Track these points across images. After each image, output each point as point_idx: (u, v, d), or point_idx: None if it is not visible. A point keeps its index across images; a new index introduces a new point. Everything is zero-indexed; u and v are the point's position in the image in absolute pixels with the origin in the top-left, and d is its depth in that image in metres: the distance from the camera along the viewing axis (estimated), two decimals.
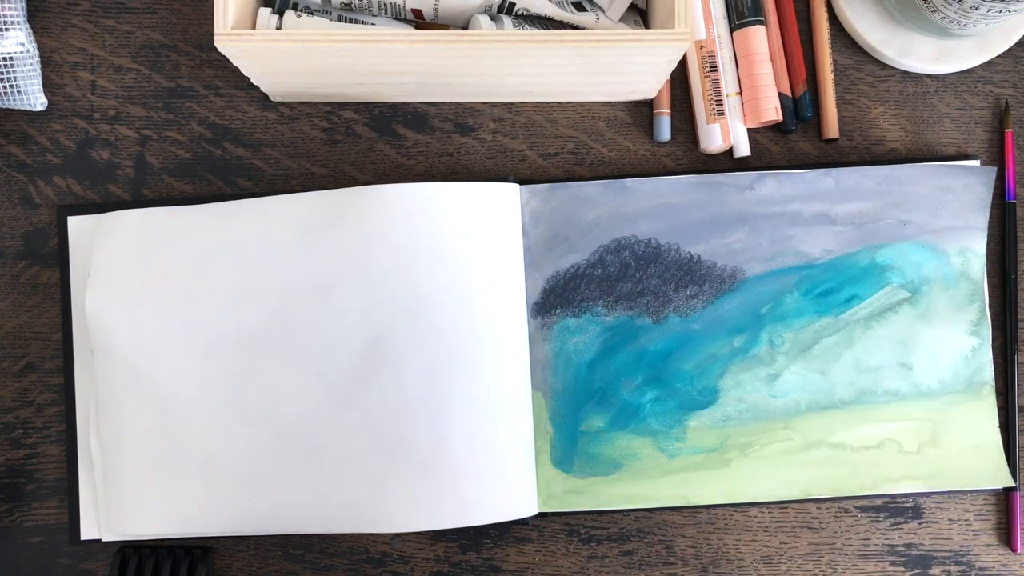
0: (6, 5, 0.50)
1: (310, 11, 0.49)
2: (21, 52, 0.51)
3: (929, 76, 0.54)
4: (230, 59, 0.46)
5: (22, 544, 0.52)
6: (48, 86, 0.54)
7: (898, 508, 0.52)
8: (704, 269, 0.52)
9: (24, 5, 0.52)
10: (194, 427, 0.50)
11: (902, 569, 0.52)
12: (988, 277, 0.53)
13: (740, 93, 0.53)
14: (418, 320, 0.49)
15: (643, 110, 0.54)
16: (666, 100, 0.54)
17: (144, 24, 0.54)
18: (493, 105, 0.54)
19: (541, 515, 0.51)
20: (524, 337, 0.51)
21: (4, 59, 0.51)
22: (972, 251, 0.52)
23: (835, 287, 0.52)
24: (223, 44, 0.44)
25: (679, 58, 0.47)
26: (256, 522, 0.50)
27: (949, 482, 0.51)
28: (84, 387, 0.52)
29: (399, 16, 0.51)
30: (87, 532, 0.52)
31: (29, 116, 0.54)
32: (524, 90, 0.52)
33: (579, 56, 0.46)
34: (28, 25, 0.52)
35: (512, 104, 0.54)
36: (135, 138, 0.54)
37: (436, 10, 0.50)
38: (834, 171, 0.52)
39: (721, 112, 0.53)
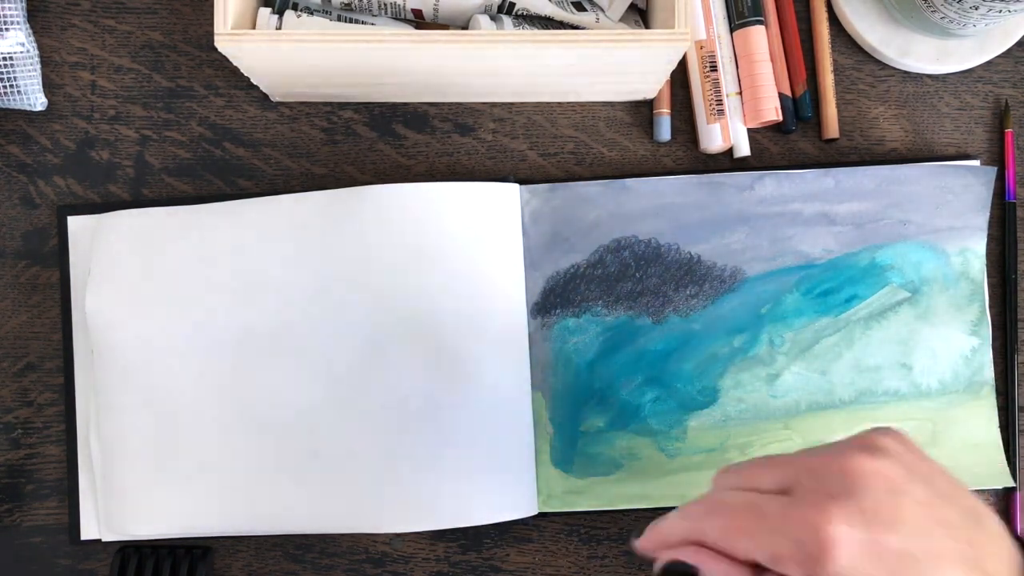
0: (6, 5, 0.50)
1: (310, 11, 0.49)
2: (21, 52, 0.51)
3: (929, 76, 0.54)
4: (230, 59, 0.46)
5: (22, 544, 0.52)
6: (48, 86, 0.54)
7: None
8: (704, 269, 0.52)
9: (24, 5, 0.52)
10: (194, 427, 0.50)
11: None
12: (988, 277, 0.53)
13: (740, 93, 0.53)
14: (418, 320, 0.49)
15: (643, 110, 0.54)
16: (666, 100, 0.54)
17: (144, 24, 0.54)
18: (493, 105, 0.54)
19: (541, 515, 0.51)
20: (524, 337, 0.51)
21: (4, 59, 0.51)
22: (972, 251, 0.52)
23: (835, 287, 0.52)
24: (223, 44, 0.44)
25: (679, 58, 0.47)
26: (256, 522, 0.50)
27: None
28: (84, 387, 0.52)
29: (399, 16, 0.51)
30: (87, 532, 0.52)
31: (29, 116, 0.54)
32: (524, 90, 0.52)
33: (579, 56, 0.46)
34: (28, 25, 0.52)
35: (512, 104, 0.54)
36: (135, 138, 0.54)
37: (436, 10, 0.50)
38: (834, 171, 0.52)
39: (721, 112, 0.53)
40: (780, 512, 0.32)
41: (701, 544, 0.34)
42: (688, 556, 0.34)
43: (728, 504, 0.34)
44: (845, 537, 0.30)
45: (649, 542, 0.36)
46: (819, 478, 0.32)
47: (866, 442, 0.33)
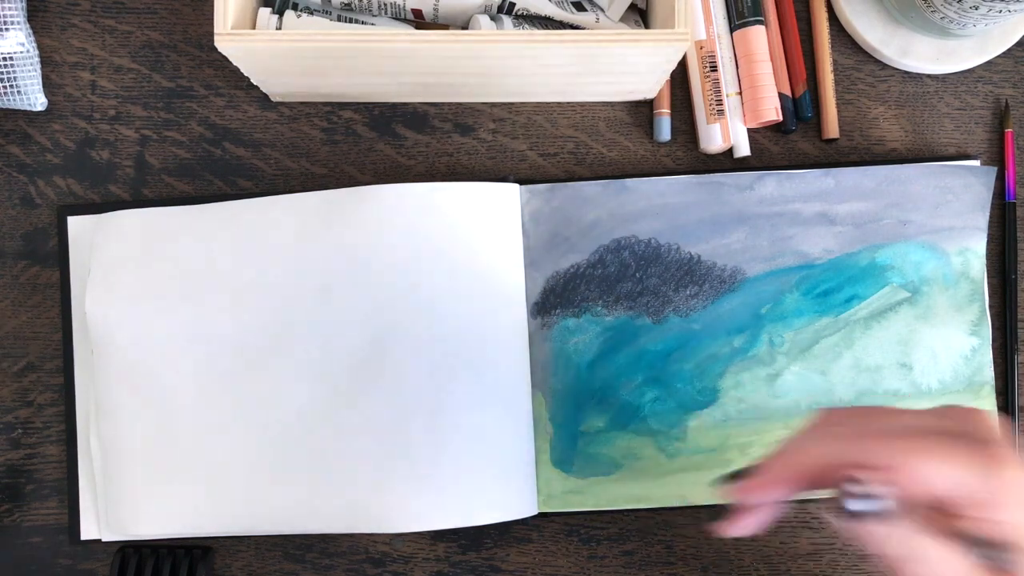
0: (6, 5, 0.50)
1: (310, 11, 0.49)
2: (21, 52, 0.51)
3: (929, 76, 0.54)
4: (230, 59, 0.46)
5: (22, 544, 0.52)
6: (48, 86, 0.54)
7: None
8: (704, 269, 0.52)
9: (24, 5, 0.52)
10: (194, 427, 0.50)
11: None
12: (988, 277, 0.53)
13: (740, 93, 0.53)
14: (418, 320, 0.49)
15: (643, 110, 0.54)
16: (666, 100, 0.54)
17: (144, 24, 0.54)
18: (493, 105, 0.54)
19: (541, 515, 0.51)
20: (524, 337, 0.51)
21: (4, 59, 0.51)
22: (972, 251, 0.52)
23: (835, 287, 0.52)
24: (223, 44, 0.44)
25: (679, 58, 0.47)
26: (256, 522, 0.50)
27: None
28: (84, 387, 0.52)
29: (399, 16, 0.51)
30: (87, 532, 0.52)
31: (29, 116, 0.54)
32: (524, 90, 0.52)
33: (579, 56, 0.46)
34: (28, 25, 0.52)
35: (512, 104, 0.54)
36: (135, 138, 0.54)
37: (436, 10, 0.50)
38: (834, 171, 0.52)
39: (721, 112, 0.53)
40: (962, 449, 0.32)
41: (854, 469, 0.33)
42: (880, 482, 0.32)
43: (904, 429, 0.34)
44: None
45: (774, 478, 0.36)
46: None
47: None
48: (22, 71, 0.51)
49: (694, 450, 0.51)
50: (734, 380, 0.51)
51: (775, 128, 0.54)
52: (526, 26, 0.49)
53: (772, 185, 0.52)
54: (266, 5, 0.50)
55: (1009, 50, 0.54)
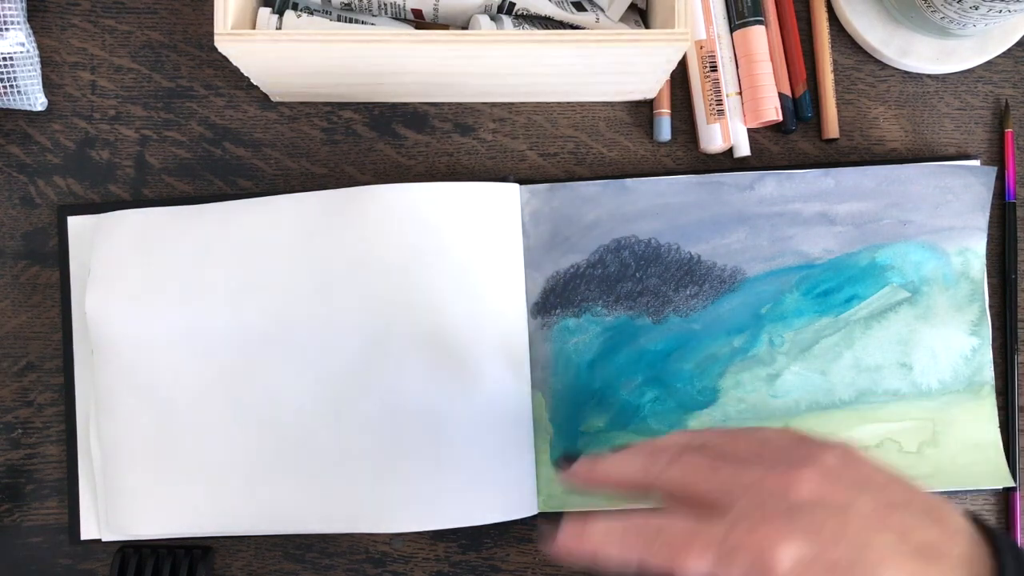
0: (6, 5, 0.50)
1: (310, 11, 0.49)
2: (21, 52, 0.51)
3: (929, 76, 0.54)
4: (230, 59, 0.46)
5: (22, 544, 0.52)
6: (48, 86, 0.54)
7: None
8: (704, 269, 0.52)
9: (24, 5, 0.52)
10: (194, 427, 0.50)
11: None
12: (988, 277, 0.53)
13: (740, 93, 0.53)
14: (418, 320, 0.49)
15: (643, 110, 0.54)
16: (666, 100, 0.54)
17: (144, 24, 0.54)
18: (493, 105, 0.54)
19: (541, 515, 0.51)
20: (524, 337, 0.51)
21: (4, 59, 0.51)
22: (972, 251, 0.52)
23: (835, 287, 0.52)
24: (223, 44, 0.44)
25: (679, 58, 0.47)
26: (256, 522, 0.50)
27: (949, 482, 0.51)
28: (84, 387, 0.52)
29: (399, 16, 0.51)
30: (87, 532, 0.52)
31: (29, 116, 0.54)
32: (524, 90, 0.52)
33: (579, 56, 0.46)
34: (28, 25, 0.52)
35: (512, 104, 0.54)
36: (135, 138, 0.54)
37: (436, 10, 0.50)
38: (834, 171, 0.52)
39: (721, 112, 0.53)
40: (724, 537, 0.31)
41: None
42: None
43: (671, 527, 0.33)
44: (791, 558, 0.30)
45: (591, 542, 0.36)
46: (759, 499, 0.32)
47: (807, 458, 0.33)
48: (22, 71, 0.51)
49: None
50: (734, 380, 0.51)
51: (775, 128, 0.54)
52: (526, 26, 0.49)
53: (772, 185, 0.52)
54: (266, 5, 0.50)
55: (1009, 50, 0.54)
